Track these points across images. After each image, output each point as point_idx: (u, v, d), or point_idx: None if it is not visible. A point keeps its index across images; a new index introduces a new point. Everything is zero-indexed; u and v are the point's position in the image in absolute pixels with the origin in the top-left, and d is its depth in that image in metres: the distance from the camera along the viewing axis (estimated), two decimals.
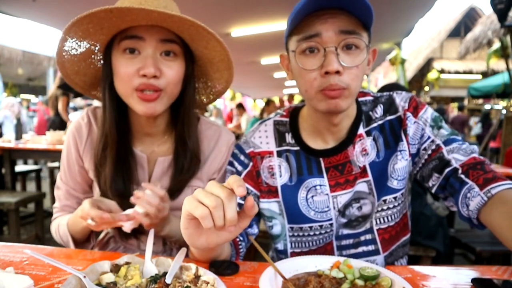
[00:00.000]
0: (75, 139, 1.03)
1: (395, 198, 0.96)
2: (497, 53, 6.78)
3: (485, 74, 13.35)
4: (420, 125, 0.93)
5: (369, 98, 1.01)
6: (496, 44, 6.91)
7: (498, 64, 10.56)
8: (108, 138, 0.95)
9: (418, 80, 16.96)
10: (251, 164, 0.99)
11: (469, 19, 17.46)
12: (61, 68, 0.93)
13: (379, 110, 0.97)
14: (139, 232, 1.02)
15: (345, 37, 0.80)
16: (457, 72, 15.97)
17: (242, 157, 1.00)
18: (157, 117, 0.97)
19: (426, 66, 16.84)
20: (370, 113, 0.98)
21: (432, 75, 15.80)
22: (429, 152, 0.92)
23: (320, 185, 0.95)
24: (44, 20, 4.98)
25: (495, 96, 9.45)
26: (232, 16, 5.01)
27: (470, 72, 15.70)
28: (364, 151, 0.95)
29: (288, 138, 0.99)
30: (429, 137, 0.92)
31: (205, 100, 1.14)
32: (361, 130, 0.96)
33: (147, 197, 0.84)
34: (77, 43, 0.90)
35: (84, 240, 1.02)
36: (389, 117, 0.96)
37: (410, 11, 5.26)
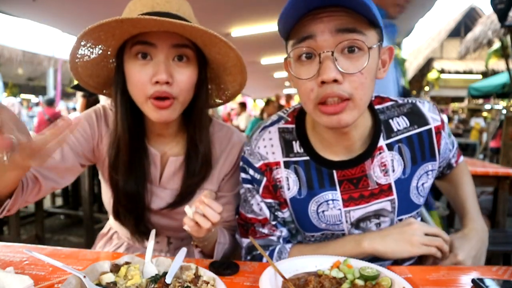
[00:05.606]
0: (90, 129, 0.99)
1: (417, 213, 0.95)
2: (497, 53, 6.78)
3: (485, 74, 13.33)
4: (447, 141, 0.94)
5: (388, 104, 0.91)
6: (496, 44, 6.91)
7: (498, 64, 10.56)
8: (120, 142, 0.94)
9: (418, 80, 16.93)
10: (265, 179, 0.90)
11: (469, 19, 17.44)
12: (74, 74, 0.92)
13: (403, 121, 0.88)
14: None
15: (343, 37, 0.69)
16: (457, 72, 15.95)
17: (251, 172, 0.91)
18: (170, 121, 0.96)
19: (426, 66, 16.81)
20: (391, 122, 0.88)
21: (432, 75, 15.78)
22: (451, 161, 1.03)
23: (333, 200, 0.87)
24: (44, 20, 4.97)
25: (495, 96, 9.44)
26: (232, 16, 5.01)
27: (470, 72, 15.68)
28: (384, 166, 0.86)
29: (296, 147, 0.89)
30: (451, 152, 1.00)
31: (218, 101, 1.13)
32: (382, 142, 0.86)
33: (207, 211, 0.77)
34: (89, 50, 0.89)
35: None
36: (418, 129, 0.88)
37: (410, 11, 5.26)
